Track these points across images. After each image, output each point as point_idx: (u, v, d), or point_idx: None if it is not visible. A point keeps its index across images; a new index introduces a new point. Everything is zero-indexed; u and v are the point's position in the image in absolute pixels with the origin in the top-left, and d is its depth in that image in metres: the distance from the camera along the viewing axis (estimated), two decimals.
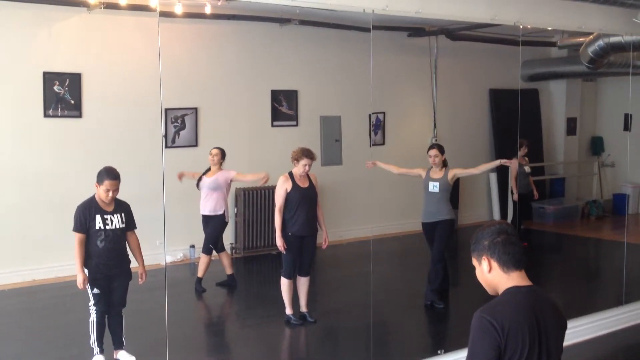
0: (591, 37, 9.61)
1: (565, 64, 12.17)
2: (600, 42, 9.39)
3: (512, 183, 9.97)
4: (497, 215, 12.46)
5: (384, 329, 6.54)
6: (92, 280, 5.34)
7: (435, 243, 7.18)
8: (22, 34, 8.10)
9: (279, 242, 6.40)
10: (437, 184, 7.12)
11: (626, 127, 12.22)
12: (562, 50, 12.14)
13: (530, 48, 11.77)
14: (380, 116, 11.14)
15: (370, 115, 10.71)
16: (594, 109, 14.04)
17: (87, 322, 5.46)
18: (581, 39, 10.12)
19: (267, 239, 9.61)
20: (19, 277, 8.04)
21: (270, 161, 9.44)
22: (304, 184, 6.47)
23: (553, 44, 11.78)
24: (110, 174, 5.33)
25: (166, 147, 9.06)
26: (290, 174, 6.47)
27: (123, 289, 5.55)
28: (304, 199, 6.42)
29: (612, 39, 9.12)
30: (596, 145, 13.93)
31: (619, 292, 7.25)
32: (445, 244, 7.23)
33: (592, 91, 13.93)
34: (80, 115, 8.52)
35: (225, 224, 7.82)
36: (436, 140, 11.51)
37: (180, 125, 9.28)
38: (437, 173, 7.20)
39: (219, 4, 8.62)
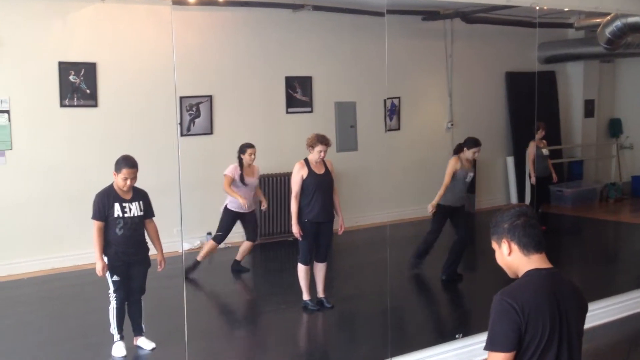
0: (608, 17, 9.47)
1: (583, 46, 12.02)
2: (618, 23, 9.25)
3: (529, 166, 9.91)
4: (514, 199, 12.39)
5: (402, 314, 6.54)
6: (112, 268, 5.39)
7: (461, 226, 7.64)
8: (37, 24, 8.13)
9: (295, 229, 6.40)
10: (472, 174, 7.66)
11: None
12: (579, 32, 11.99)
13: (547, 30, 11.64)
14: (395, 101, 11.09)
15: (385, 101, 10.66)
16: (612, 90, 13.88)
17: (107, 309, 5.51)
18: (598, 20, 9.98)
19: (283, 226, 9.62)
20: (38, 265, 8.12)
21: (285, 148, 9.45)
22: (320, 171, 6.46)
23: (570, 25, 11.64)
24: (128, 162, 5.36)
25: (181, 135, 9.09)
26: (306, 161, 6.46)
27: (142, 276, 5.59)
28: (320, 186, 6.41)
29: (630, 20, 8.99)
30: (614, 127, 13.79)
31: (638, 275, 7.20)
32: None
33: (610, 72, 13.76)
34: (96, 105, 8.56)
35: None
36: (452, 124, 11.46)
37: (195, 114, 9.29)
38: (467, 163, 7.60)
39: None
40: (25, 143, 8.13)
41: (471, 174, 7.62)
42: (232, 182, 7.63)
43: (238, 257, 8.06)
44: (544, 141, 10.12)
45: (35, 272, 8.02)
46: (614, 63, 13.68)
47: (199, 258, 7.83)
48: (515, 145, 12.29)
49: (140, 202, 5.48)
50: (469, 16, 10.88)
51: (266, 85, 9.88)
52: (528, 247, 2.54)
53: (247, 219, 7.94)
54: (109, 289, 5.49)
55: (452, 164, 7.49)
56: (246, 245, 8.00)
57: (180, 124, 9.08)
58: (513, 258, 2.57)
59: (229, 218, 7.82)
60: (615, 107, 13.92)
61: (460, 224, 7.65)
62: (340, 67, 10.47)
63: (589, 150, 13.71)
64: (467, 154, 7.48)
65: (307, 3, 9.59)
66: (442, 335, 5.97)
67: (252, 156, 7.70)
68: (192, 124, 9.28)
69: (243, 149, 7.73)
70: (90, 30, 8.50)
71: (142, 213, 5.48)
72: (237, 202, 7.61)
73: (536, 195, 9.58)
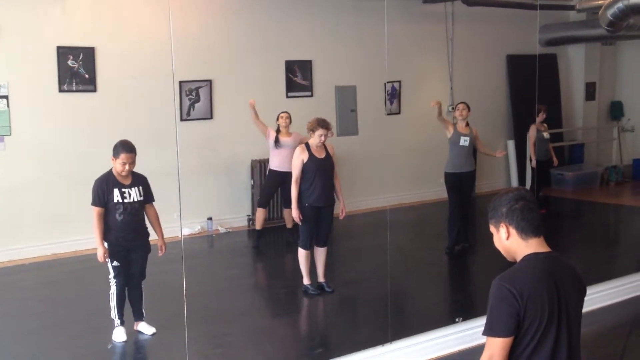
0: None
1: (584, 28, 11.94)
2: (620, 5, 9.17)
3: (530, 150, 9.88)
4: (515, 183, 12.38)
5: (402, 298, 6.55)
6: (112, 253, 5.39)
7: (466, 192, 7.95)
8: (35, 9, 8.07)
9: (295, 213, 6.40)
10: (467, 138, 7.82)
11: None
12: (580, 14, 11.90)
13: (548, 12, 11.57)
14: (396, 85, 11.04)
15: (385, 84, 10.61)
16: (614, 73, 13.81)
17: (107, 294, 5.52)
18: (600, 2, 9.91)
19: (284, 210, 9.59)
20: (39, 251, 8.13)
21: None
22: (321, 155, 6.44)
23: (571, 8, 11.56)
24: (126, 147, 5.34)
25: (181, 120, 9.07)
26: (307, 145, 6.45)
27: (142, 261, 5.60)
28: (321, 170, 6.39)
29: (632, 1, 8.91)
30: (616, 110, 13.74)
31: (638, 258, 7.19)
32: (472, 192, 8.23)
33: (611, 55, 13.69)
34: (95, 90, 8.52)
35: None
36: (453, 108, 11.40)
37: (195, 98, 9.25)
38: (464, 129, 7.89)
39: None
40: (24, 128, 8.10)
41: (466, 138, 7.78)
42: (266, 135, 8.36)
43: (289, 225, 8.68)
44: (545, 124, 10.09)
45: (35, 258, 8.03)
46: (615, 45, 13.61)
47: (257, 227, 8.53)
48: (515, 128, 12.26)
49: (140, 187, 5.47)
50: None
51: (266, 69, 9.83)
52: (526, 231, 2.53)
53: (288, 181, 8.10)
54: (109, 274, 5.49)
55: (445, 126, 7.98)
56: (286, 213, 8.54)
57: (180, 108, 9.04)
58: (511, 242, 2.56)
59: (269, 178, 8.47)
60: (617, 90, 13.87)
61: (465, 189, 7.91)
62: (340, 51, 10.42)
63: (590, 134, 13.68)
64: (456, 115, 7.93)
65: None
66: (442, 319, 5.97)
67: (284, 120, 8.35)
68: (191, 109, 9.24)
69: (278, 115, 8.45)
70: (88, 14, 8.44)
71: (141, 198, 5.47)
72: (275, 160, 8.23)
73: (537, 179, 9.57)
